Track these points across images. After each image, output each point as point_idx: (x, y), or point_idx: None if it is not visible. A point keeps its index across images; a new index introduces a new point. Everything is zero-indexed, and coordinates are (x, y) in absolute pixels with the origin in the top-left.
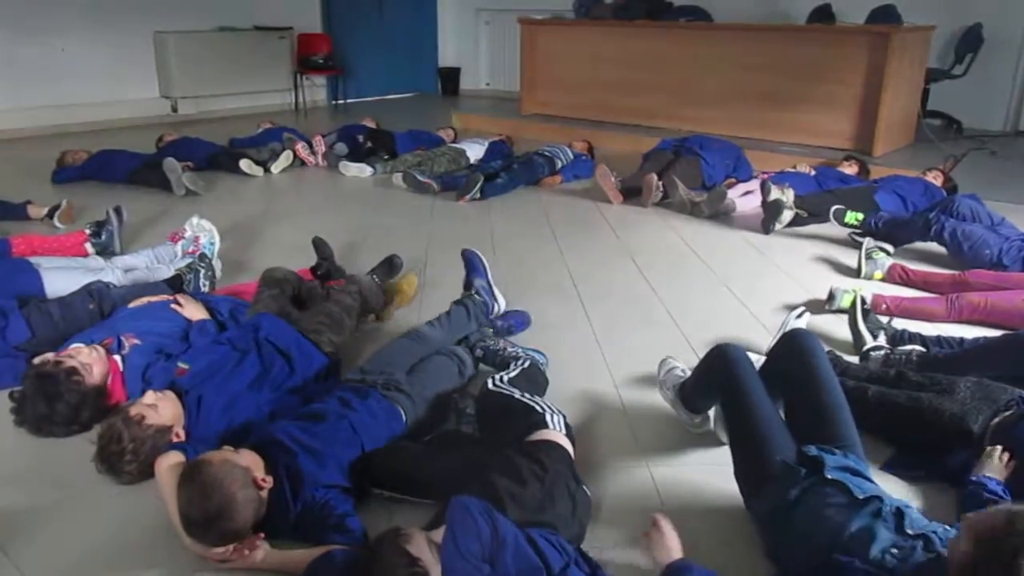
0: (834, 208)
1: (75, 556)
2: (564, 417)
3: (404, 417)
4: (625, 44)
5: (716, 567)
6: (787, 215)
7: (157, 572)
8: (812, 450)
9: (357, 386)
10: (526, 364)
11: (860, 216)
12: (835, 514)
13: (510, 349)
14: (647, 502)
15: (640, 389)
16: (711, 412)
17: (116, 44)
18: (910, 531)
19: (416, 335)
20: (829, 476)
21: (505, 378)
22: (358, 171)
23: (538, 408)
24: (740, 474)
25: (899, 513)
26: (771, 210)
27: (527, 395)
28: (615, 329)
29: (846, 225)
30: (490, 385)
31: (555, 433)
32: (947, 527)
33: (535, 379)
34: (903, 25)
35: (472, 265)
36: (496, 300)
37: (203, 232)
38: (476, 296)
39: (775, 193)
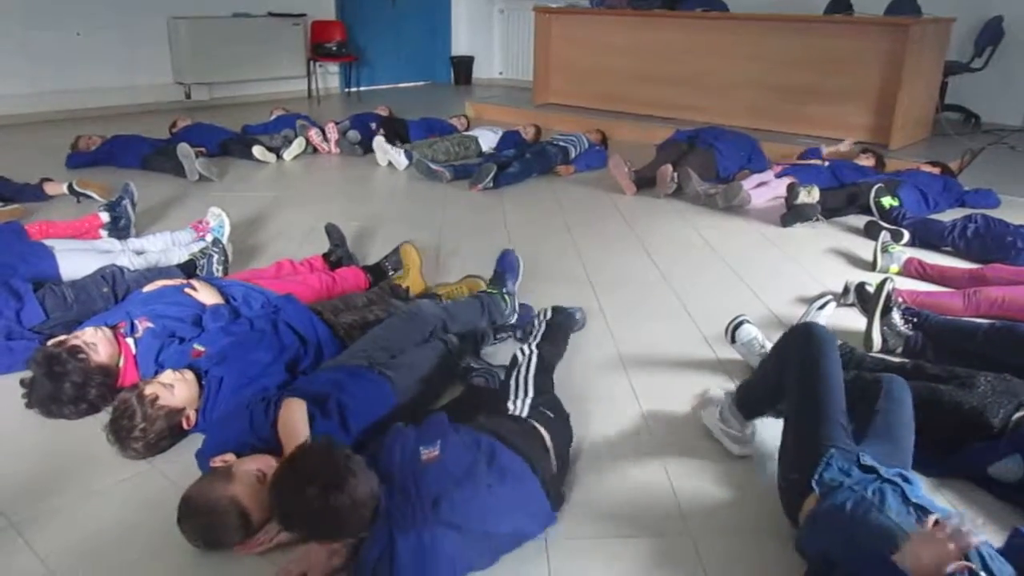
0: (877, 185)
1: (89, 537)
2: (534, 406)
3: (392, 393)
4: (640, 34)
5: (729, 558)
6: (810, 222)
7: (170, 553)
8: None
9: (349, 366)
10: (548, 315)
11: (896, 203)
12: (891, 510)
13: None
14: (660, 494)
15: (653, 380)
16: (756, 424)
17: (131, 29)
18: None
19: (410, 311)
20: (886, 476)
21: (534, 346)
22: (396, 157)
23: (510, 395)
24: (793, 453)
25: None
26: (797, 213)
27: (523, 381)
28: (628, 319)
29: (878, 206)
30: (519, 358)
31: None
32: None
33: (561, 327)
34: (922, 17)
35: (510, 266)
36: (515, 310)
37: (212, 217)
38: (500, 297)
39: (803, 197)
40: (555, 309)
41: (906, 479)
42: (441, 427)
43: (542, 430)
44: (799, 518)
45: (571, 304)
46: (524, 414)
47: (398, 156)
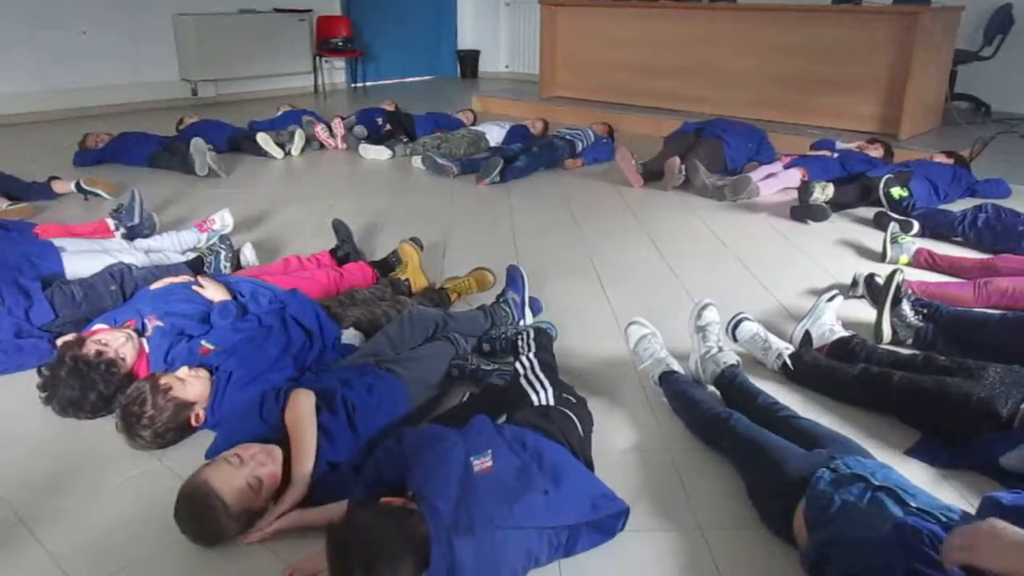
0: (887, 177)
1: (99, 534)
2: (557, 391)
3: (405, 390)
4: (648, 25)
5: (741, 552)
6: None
7: (180, 549)
8: (844, 465)
9: (356, 364)
10: (531, 335)
11: (906, 193)
12: (893, 517)
13: (511, 331)
14: (670, 488)
15: None
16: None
17: (137, 26)
18: None
19: (410, 312)
20: (878, 483)
21: (532, 356)
22: (377, 154)
23: (526, 389)
24: (759, 492)
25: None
26: (808, 210)
27: (536, 377)
28: (635, 311)
29: (887, 196)
30: (520, 371)
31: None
32: None
33: (544, 347)
34: (931, 5)
35: (512, 278)
36: (524, 317)
37: (219, 223)
38: (503, 305)
39: (817, 194)
40: (536, 329)
41: (900, 485)
42: (489, 433)
43: (572, 415)
44: (792, 535)
45: (581, 298)
46: (551, 403)
47: (379, 153)
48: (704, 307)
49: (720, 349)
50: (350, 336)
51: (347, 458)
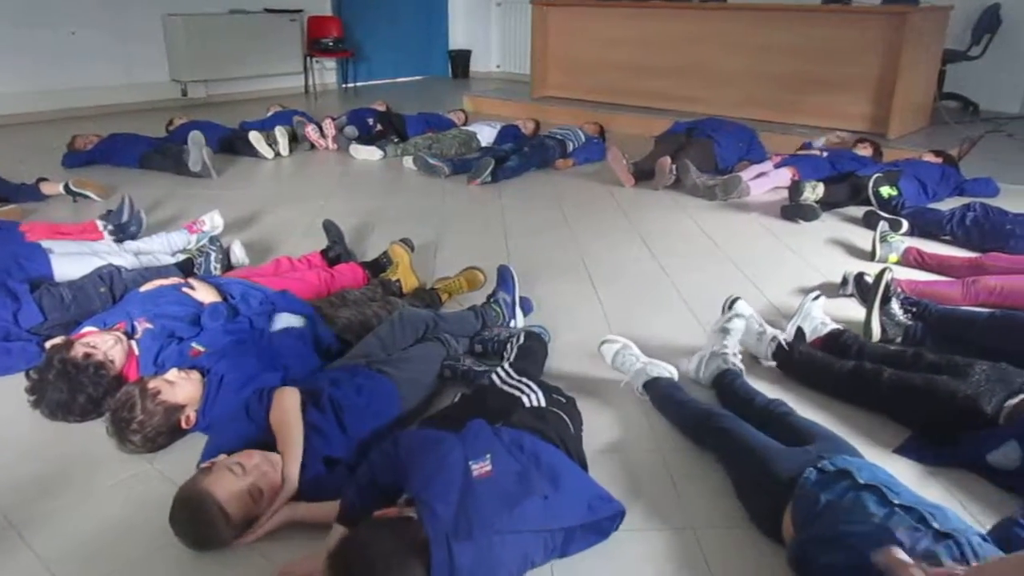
0: (876, 176)
1: (89, 538)
2: (546, 392)
3: (396, 391)
4: (639, 25)
5: (731, 550)
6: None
7: (171, 552)
8: (831, 464)
9: (347, 365)
10: (521, 340)
11: (895, 192)
12: (874, 516)
13: (504, 333)
14: (661, 487)
15: None
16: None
17: (126, 27)
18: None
19: (400, 314)
20: (863, 481)
21: (507, 367)
22: (368, 154)
23: (515, 393)
24: (748, 491)
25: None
26: (798, 209)
27: (517, 382)
28: (626, 310)
29: (876, 195)
30: (497, 382)
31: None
32: (979, 534)
33: (534, 352)
34: (920, 5)
35: (502, 278)
36: (515, 317)
37: (208, 225)
38: (494, 305)
39: (807, 194)
40: (527, 334)
41: (884, 483)
42: (487, 437)
43: (563, 415)
44: (781, 534)
45: (572, 297)
46: (543, 404)
47: (370, 154)
48: (737, 315)
49: (734, 354)
50: (288, 320)
51: (342, 456)
